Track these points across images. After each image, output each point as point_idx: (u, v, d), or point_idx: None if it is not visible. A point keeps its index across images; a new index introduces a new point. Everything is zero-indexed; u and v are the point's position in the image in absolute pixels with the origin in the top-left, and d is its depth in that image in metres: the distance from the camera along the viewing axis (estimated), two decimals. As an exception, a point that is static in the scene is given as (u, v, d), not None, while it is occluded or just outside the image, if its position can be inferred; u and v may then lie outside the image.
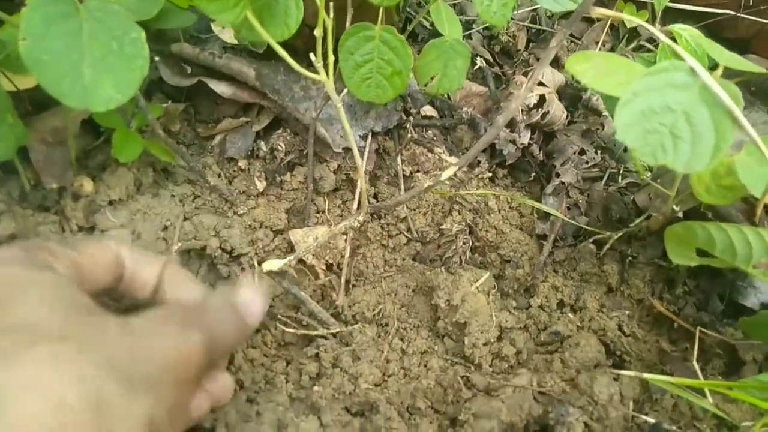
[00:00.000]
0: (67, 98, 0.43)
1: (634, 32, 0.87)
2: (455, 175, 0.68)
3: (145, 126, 0.59)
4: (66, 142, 0.55)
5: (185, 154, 0.62)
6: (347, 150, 0.66)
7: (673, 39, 0.73)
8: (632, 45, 0.85)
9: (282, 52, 0.48)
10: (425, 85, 0.62)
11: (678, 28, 0.65)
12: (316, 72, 0.48)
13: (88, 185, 0.58)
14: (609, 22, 0.86)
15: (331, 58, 0.49)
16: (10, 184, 0.55)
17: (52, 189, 0.55)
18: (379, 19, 0.54)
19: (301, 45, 0.60)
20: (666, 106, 0.39)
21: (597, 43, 0.85)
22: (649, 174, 0.63)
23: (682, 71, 0.39)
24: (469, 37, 0.81)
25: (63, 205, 0.55)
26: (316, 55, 0.48)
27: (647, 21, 0.85)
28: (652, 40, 0.85)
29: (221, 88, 0.62)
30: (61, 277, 0.37)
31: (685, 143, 0.38)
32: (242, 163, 0.67)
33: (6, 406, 0.28)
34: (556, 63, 0.83)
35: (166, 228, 0.60)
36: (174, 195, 0.62)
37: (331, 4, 0.47)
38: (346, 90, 0.59)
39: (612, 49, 0.87)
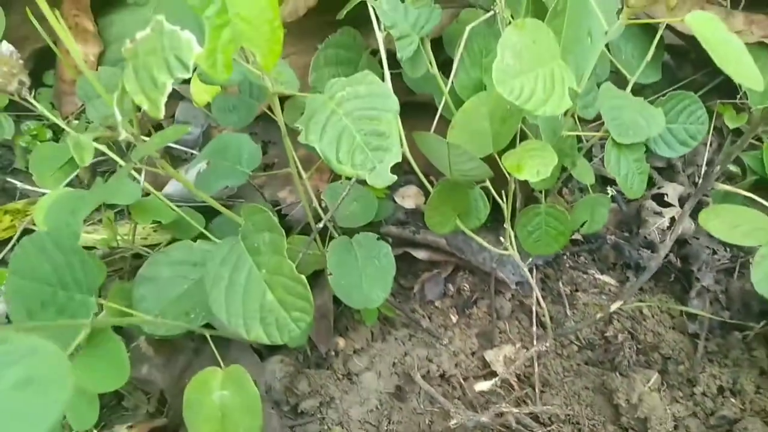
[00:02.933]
0: (356, 303, 0.65)
1: (737, 131, 1.00)
2: (609, 289, 0.85)
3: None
4: (327, 316, 0.78)
5: (400, 306, 0.83)
6: (519, 283, 0.84)
7: None
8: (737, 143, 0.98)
9: (475, 237, 0.68)
10: (578, 229, 0.80)
11: None
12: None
13: (341, 342, 0.80)
14: (713, 124, 1.00)
15: (511, 232, 0.68)
16: (296, 351, 0.78)
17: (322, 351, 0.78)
18: (543, 198, 0.73)
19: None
20: None
21: (705, 145, 0.99)
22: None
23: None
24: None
25: (330, 362, 0.77)
26: (504, 237, 0.68)
27: (747, 123, 0.98)
28: (757, 137, 0.98)
29: (420, 254, 0.83)
30: None
31: None
32: (438, 303, 0.87)
33: None
34: (672, 170, 0.97)
35: (394, 364, 0.81)
36: (396, 338, 0.83)
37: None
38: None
39: (720, 146, 1.00)
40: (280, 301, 0.52)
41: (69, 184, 0.89)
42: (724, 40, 0.50)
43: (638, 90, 0.96)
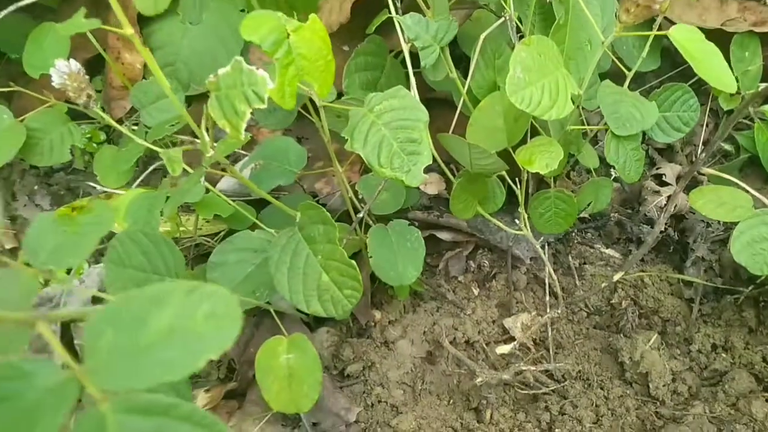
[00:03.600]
0: (392, 281, 0.76)
1: (732, 112, 1.08)
2: (614, 262, 0.95)
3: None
4: (365, 292, 0.89)
5: (427, 281, 0.94)
6: (533, 258, 0.94)
7: (764, 120, 0.96)
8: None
9: (493, 220, 0.78)
10: (584, 209, 0.89)
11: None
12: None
13: (378, 314, 0.91)
14: (709, 105, 1.08)
15: (525, 215, 0.78)
16: (340, 323, 0.89)
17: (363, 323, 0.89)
18: (552, 183, 0.82)
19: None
20: (763, 237, 0.64)
21: (702, 125, 1.07)
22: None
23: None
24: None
25: (369, 332, 0.89)
26: (519, 219, 0.78)
27: (739, 104, 1.06)
28: (751, 118, 1.05)
29: (444, 235, 0.94)
30: None
31: None
32: (461, 278, 0.97)
33: None
34: (671, 150, 1.06)
35: (425, 332, 0.92)
36: (425, 310, 0.94)
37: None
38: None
39: (716, 127, 1.09)
40: (335, 281, 0.63)
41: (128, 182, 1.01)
42: (702, 51, 0.59)
43: (640, 76, 1.04)
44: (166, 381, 0.30)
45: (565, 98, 0.60)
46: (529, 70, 0.59)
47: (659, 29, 0.85)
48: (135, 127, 1.09)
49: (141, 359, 0.30)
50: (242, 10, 1.09)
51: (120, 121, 1.17)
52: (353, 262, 0.61)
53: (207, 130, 0.56)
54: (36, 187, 1.07)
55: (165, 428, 0.29)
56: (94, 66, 1.20)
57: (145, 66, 1.12)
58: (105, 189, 1.01)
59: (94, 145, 1.16)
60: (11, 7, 0.98)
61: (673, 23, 1.05)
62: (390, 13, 0.73)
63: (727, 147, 1.05)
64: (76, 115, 1.13)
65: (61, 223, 0.45)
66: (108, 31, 1.15)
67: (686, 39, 0.58)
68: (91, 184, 1.10)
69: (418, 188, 0.98)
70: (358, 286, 0.62)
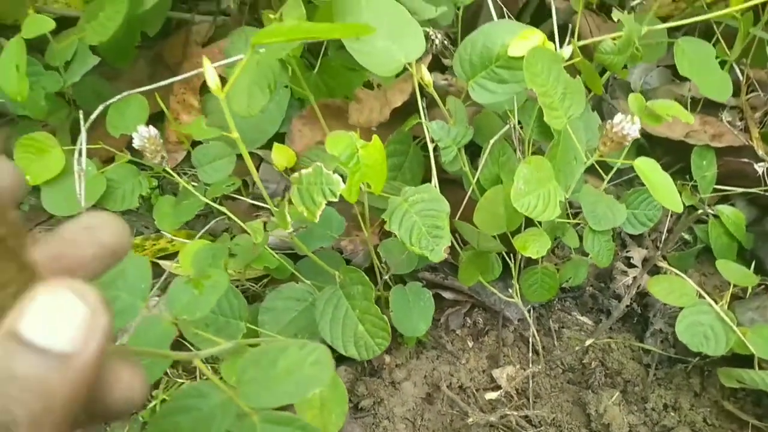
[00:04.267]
0: (407, 332, 0.93)
1: (693, 207, 1.29)
2: (587, 328, 1.13)
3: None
4: (379, 339, 1.05)
5: (430, 332, 1.11)
6: (520, 320, 1.12)
7: (716, 217, 1.16)
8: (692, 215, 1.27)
9: (489, 287, 0.97)
10: (565, 282, 1.08)
11: (721, 208, 1.09)
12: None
13: (387, 358, 1.07)
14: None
15: (516, 285, 0.97)
16: (356, 363, 1.05)
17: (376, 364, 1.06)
18: (540, 260, 1.01)
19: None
20: (700, 322, 0.82)
21: (667, 215, 1.28)
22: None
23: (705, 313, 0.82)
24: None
25: (380, 372, 1.05)
26: (511, 288, 0.96)
27: (699, 201, 1.27)
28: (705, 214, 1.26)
29: (447, 294, 1.12)
30: None
31: (712, 340, 0.81)
32: (458, 332, 1.15)
33: None
34: (641, 235, 1.26)
35: (425, 376, 1.08)
36: (427, 357, 1.11)
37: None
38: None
39: (679, 217, 1.29)
40: (368, 331, 0.80)
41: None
42: (658, 178, 0.79)
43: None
44: (287, 403, 0.47)
45: (555, 204, 0.79)
46: (528, 182, 0.78)
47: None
48: (195, 184, 1.26)
49: (272, 388, 0.48)
50: (286, 86, 1.29)
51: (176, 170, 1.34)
52: (385, 317, 0.79)
53: (286, 206, 0.74)
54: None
55: (290, 435, 0.46)
56: (151, 120, 1.38)
57: (199, 127, 1.31)
58: (159, 230, 1.18)
59: (148, 189, 1.33)
60: (85, 69, 1.16)
61: (647, 133, 1.27)
62: (420, 119, 0.93)
63: (687, 236, 1.25)
64: (133, 162, 1.30)
65: (191, 285, 0.62)
66: (171, 94, 1.34)
67: (647, 169, 0.78)
68: (144, 224, 1.27)
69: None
70: (387, 336, 0.79)
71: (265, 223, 0.78)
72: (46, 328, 0.23)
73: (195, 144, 1.23)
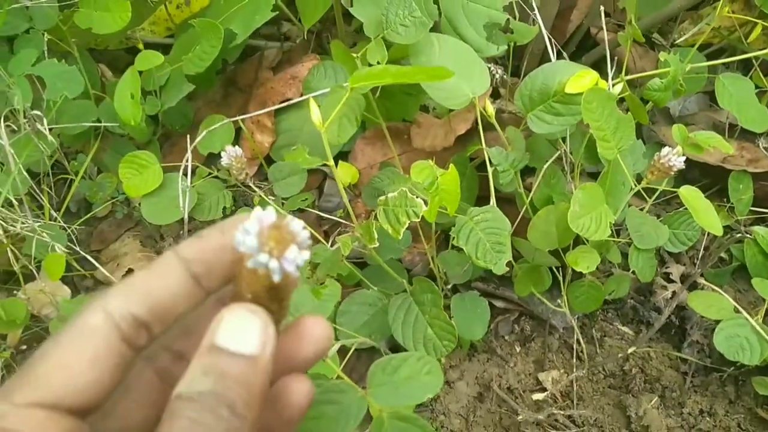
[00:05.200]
0: (466, 336, 1.03)
1: (729, 227, 1.36)
2: (628, 337, 1.22)
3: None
4: (436, 341, 1.16)
5: (482, 337, 1.21)
6: (565, 328, 1.22)
7: (752, 237, 1.24)
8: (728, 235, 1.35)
9: (540, 297, 1.07)
10: (608, 294, 1.17)
11: (757, 229, 1.17)
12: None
13: (442, 360, 1.18)
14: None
15: (564, 296, 1.06)
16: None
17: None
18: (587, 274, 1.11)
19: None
20: (736, 334, 0.91)
21: (704, 234, 1.36)
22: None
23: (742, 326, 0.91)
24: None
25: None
26: (561, 301, 1.06)
27: (735, 221, 1.35)
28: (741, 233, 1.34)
29: (498, 303, 1.22)
30: None
31: (747, 351, 0.90)
32: (507, 337, 1.25)
33: None
34: (680, 252, 1.34)
35: (477, 377, 1.19)
36: (479, 360, 1.21)
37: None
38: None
39: (715, 237, 1.37)
40: (437, 334, 0.91)
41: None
42: (701, 205, 0.88)
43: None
44: (408, 405, 0.58)
45: (606, 225, 0.89)
46: (583, 206, 0.88)
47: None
48: (273, 197, 1.38)
49: (396, 391, 0.58)
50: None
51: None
52: (452, 322, 0.90)
53: (372, 224, 0.86)
54: (181, 232, 1.37)
55: (411, 430, 0.57)
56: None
57: (271, 144, 1.43)
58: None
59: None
60: (181, 95, 1.30)
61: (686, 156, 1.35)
62: (481, 145, 1.04)
63: (723, 255, 1.33)
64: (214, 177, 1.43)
65: (312, 294, 0.74)
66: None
67: (691, 197, 0.88)
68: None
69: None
70: (453, 339, 0.90)
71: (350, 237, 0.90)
72: (236, 338, 0.31)
73: (268, 160, 1.36)
